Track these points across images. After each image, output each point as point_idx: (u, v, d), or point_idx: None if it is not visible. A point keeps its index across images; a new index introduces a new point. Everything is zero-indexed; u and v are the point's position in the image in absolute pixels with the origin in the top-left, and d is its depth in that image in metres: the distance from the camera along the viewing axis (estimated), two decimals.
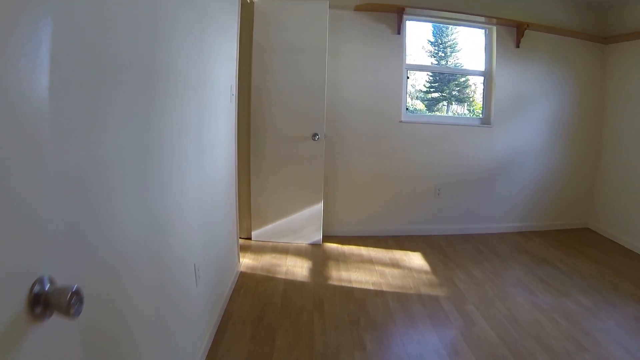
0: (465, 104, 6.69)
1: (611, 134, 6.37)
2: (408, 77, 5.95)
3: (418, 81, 6.35)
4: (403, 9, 5.32)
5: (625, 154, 6.11)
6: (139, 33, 1.83)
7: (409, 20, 5.68)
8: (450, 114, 6.59)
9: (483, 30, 6.04)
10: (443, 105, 6.64)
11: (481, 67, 6.11)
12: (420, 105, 6.54)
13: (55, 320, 0.94)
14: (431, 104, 6.56)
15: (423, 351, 3.26)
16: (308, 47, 4.96)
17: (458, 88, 6.58)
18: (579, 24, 6.12)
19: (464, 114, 6.62)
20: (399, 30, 5.49)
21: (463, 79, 6.52)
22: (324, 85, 5.05)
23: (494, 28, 5.87)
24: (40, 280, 0.90)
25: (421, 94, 6.49)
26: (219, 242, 3.57)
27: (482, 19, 5.64)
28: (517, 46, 5.90)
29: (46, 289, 0.91)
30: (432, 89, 6.49)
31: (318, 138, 5.07)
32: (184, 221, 2.57)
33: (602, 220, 6.51)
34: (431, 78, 6.38)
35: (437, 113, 6.55)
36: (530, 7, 5.88)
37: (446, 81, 6.43)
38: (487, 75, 6.05)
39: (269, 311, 3.69)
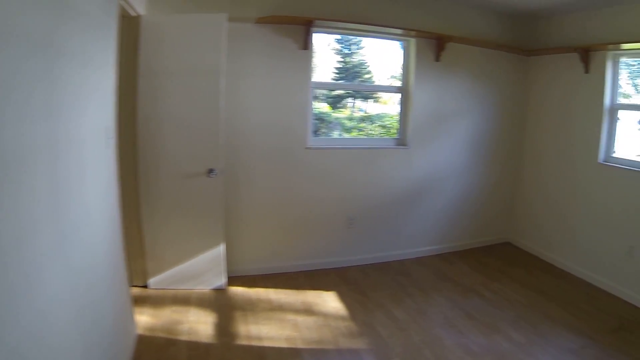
0: (371, 100, 6.40)
1: (531, 147, 6.37)
2: (316, 97, 5.47)
3: (325, 77, 5.87)
4: (311, 22, 4.76)
5: (543, 167, 6.13)
6: None
7: (317, 32, 5.16)
8: (356, 114, 6.30)
9: (400, 44, 5.66)
10: (348, 102, 6.31)
11: (397, 82, 5.78)
12: (325, 107, 6.13)
13: None
14: (336, 101, 6.20)
15: None
16: (203, 68, 4.28)
17: (376, 84, 6.23)
18: (503, 37, 5.96)
19: (373, 132, 6.25)
20: (306, 45, 4.94)
21: (368, 76, 6.16)
22: (220, 112, 4.38)
23: (413, 41, 5.51)
24: None
25: (325, 91, 6.06)
26: (106, 314, 2.83)
27: (400, 31, 5.26)
28: (438, 60, 5.59)
29: None
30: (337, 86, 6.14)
31: (215, 174, 4.41)
32: (51, 326, 1.91)
33: (522, 234, 6.56)
34: (337, 75, 5.93)
35: (342, 111, 6.25)
36: (452, 19, 5.62)
37: (351, 78, 6.04)
38: (405, 92, 5.69)
39: None
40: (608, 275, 5.20)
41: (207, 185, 4.44)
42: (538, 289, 5.09)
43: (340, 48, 5.90)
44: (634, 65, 5.39)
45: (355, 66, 6.03)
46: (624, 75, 5.42)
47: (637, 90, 5.51)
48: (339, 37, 5.75)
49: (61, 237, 2.13)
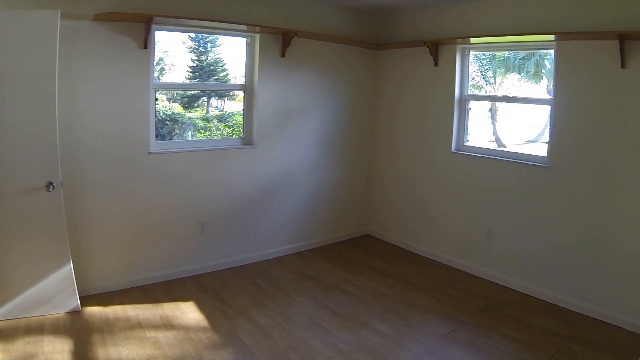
0: (226, 98, 6.62)
1: (385, 140, 6.89)
2: (157, 99, 5.57)
3: (177, 77, 6.01)
4: (151, 19, 4.83)
5: (400, 159, 6.71)
6: None
7: (159, 30, 5.28)
8: (211, 112, 6.47)
9: (245, 39, 5.89)
10: (203, 101, 6.49)
11: (241, 80, 6.00)
12: (177, 108, 6.25)
13: None
14: (191, 101, 6.36)
15: None
16: (34, 73, 4.18)
17: (219, 83, 6.42)
18: (351, 31, 6.38)
19: (220, 131, 6.49)
20: (146, 43, 5.02)
21: (223, 74, 6.36)
22: (55, 119, 4.29)
23: (257, 36, 5.77)
24: None
25: (180, 92, 6.23)
26: None
27: (244, 27, 5.48)
28: (283, 56, 5.90)
29: None
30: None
31: (54, 187, 4.38)
32: None
33: (381, 225, 7.10)
34: (190, 74, 6.10)
35: (198, 110, 6.41)
36: (299, 14, 5.99)
37: (206, 76, 6.22)
38: (249, 90, 5.98)
39: None
40: (470, 258, 5.96)
41: (47, 201, 4.41)
42: (402, 278, 5.56)
43: (194, 46, 6.06)
44: (484, 59, 5.93)
45: (209, 65, 6.22)
46: (475, 68, 5.93)
47: (487, 82, 6.07)
48: (192, 35, 5.92)
49: None
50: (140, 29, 4.96)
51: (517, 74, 5.81)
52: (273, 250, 6.35)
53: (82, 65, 4.74)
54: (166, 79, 5.84)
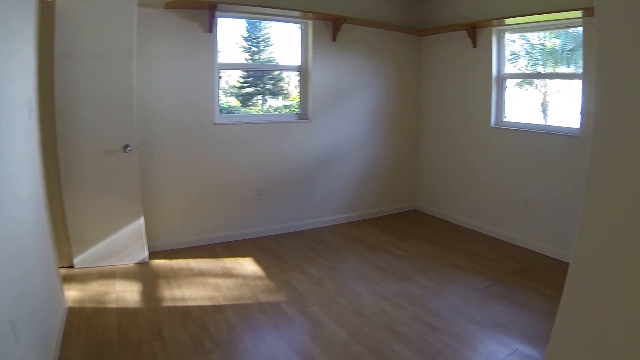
0: (280, 97, 6.77)
1: (426, 119, 6.98)
2: (220, 77, 5.87)
3: (232, 76, 6.29)
4: (215, 6, 5.22)
5: (442, 137, 6.83)
6: None
7: (221, 17, 5.59)
8: (265, 108, 6.62)
9: (299, 25, 6.14)
10: (258, 99, 6.64)
11: (297, 62, 6.22)
12: (234, 102, 6.49)
13: None
14: (246, 99, 6.54)
15: None
16: (115, 51, 4.62)
17: (272, 82, 6.63)
18: (395, 18, 6.57)
19: (280, 108, 6.69)
20: (211, 28, 5.37)
21: (277, 73, 6.58)
22: (133, 91, 4.74)
23: (310, 22, 6.01)
24: None
25: (235, 90, 6.43)
26: (36, 285, 3.13)
27: (298, 13, 5.76)
28: (334, 40, 6.13)
29: None
30: (245, 84, 6.46)
31: (130, 149, 4.77)
32: None
33: (428, 200, 7.17)
34: (245, 73, 6.35)
35: (252, 108, 6.56)
36: (347, 1, 6.14)
37: (260, 75, 6.44)
38: (303, 70, 6.20)
39: (107, 349, 3.40)
40: (508, 227, 5.99)
41: (124, 161, 4.80)
42: (445, 244, 5.70)
43: (247, 46, 6.32)
44: (533, 52, 6.03)
45: (262, 64, 6.45)
46: (524, 63, 6.10)
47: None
48: (245, 22, 6.16)
49: None
50: (205, 15, 5.31)
51: (565, 66, 5.71)
52: (326, 219, 6.54)
53: (155, 46, 5.14)
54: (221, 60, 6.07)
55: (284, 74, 6.59)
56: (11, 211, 2.78)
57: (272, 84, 6.67)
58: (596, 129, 1.83)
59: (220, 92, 5.92)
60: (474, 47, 6.09)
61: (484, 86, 6.12)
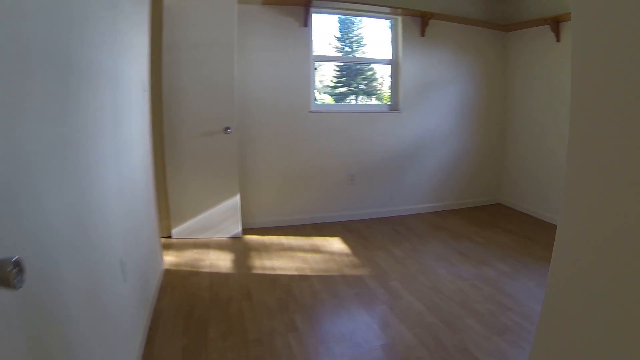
0: (373, 96, 6.92)
1: (512, 115, 6.89)
2: (316, 69, 6.09)
3: (325, 76, 6.51)
4: (310, 2, 5.49)
5: (524, 133, 6.63)
6: (53, 22, 1.76)
7: (316, 13, 5.84)
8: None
9: (388, 21, 6.28)
10: (351, 99, 6.83)
11: (388, 56, 6.35)
12: (328, 100, 6.70)
13: None
14: (339, 99, 6.73)
15: (354, 327, 3.40)
16: (217, 43, 4.99)
17: (366, 81, 6.80)
18: (481, 13, 6.54)
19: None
20: (306, 22, 5.64)
21: (370, 72, 6.74)
22: (234, 79, 5.09)
23: (400, 18, 6.14)
24: None
25: (329, 89, 6.64)
26: (142, 241, 3.51)
27: (388, 9, 5.91)
28: (422, 35, 6.22)
29: None
30: (339, 84, 6.65)
31: (230, 131, 5.11)
32: (107, 219, 2.50)
33: (512, 194, 7.05)
34: (338, 73, 6.55)
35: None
36: None
37: (353, 75, 6.63)
38: (394, 64, 6.32)
39: (198, 305, 3.71)
40: None
41: (224, 142, 5.17)
42: (526, 236, 5.62)
43: (341, 46, 6.56)
44: None
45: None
46: None
47: None
48: (338, 23, 6.41)
49: (116, 150, 2.85)
50: (300, 11, 5.61)
51: None
52: (412, 207, 6.63)
53: (254, 39, 5.49)
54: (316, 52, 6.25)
55: (378, 75, 6.72)
56: (128, 171, 3.19)
57: (366, 84, 6.83)
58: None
59: (314, 86, 6.14)
60: (557, 41, 6.01)
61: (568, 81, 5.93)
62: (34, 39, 1.55)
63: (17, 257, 0.98)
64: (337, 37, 6.41)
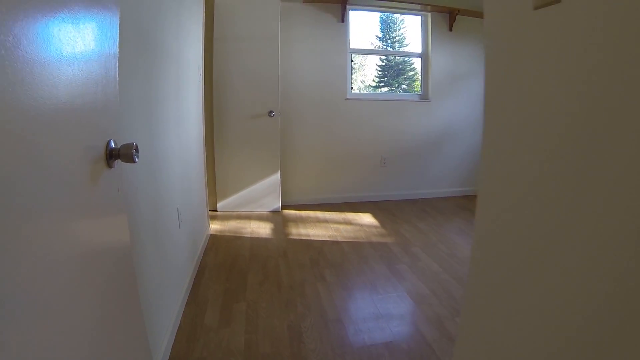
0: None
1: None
2: (352, 61, 6.49)
3: (367, 77, 6.88)
4: (346, 0, 5.93)
5: None
6: (147, 10, 2.26)
7: (352, 10, 6.26)
8: None
9: (420, 17, 6.63)
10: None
11: (418, 50, 6.70)
12: None
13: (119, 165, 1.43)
14: None
15: (375, 279, 3.80)
16: (263, 35, 5.44)
17: (407, 82, 7.11)
18: None
19: None
20: (343, 18, 6.06)
21: (412, 73, 7.05)
22: (277, 68, 5.53)
23: (429, 14, 6.48)
24: (109, 143, 1.36)
25: (371, 89, 6.99)
26: (193, 204, 3.99)
27: (418, 6, 6.26)
28: (450, 30, 6.55)
29: (114, 146, 1.37)
30: (381, 84, 6.99)
31: (274, 115, 5.57)
32: (168, 171, 2.93)
33: None
34: (380, 73, 6.89)
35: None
36: None
37: (395, 75, 6.96)
38: (424, 56, 6.66)
39: (239, 260, 4.18)
40: None
41: (268, 124, 5.64)
42: None
43: (382, 46, 6.96)
44: None
45: (398, 64, 7.03)
46: None
47: None
48: (379, 23, 6.85)
49: (177, 117, 3.35)
50: (338, 8, 6.05)
51: None
52: (440, 190, 6.95)
53: (296, 33, 5.97)
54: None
55: (418, 75, 6.97)
56: (185, 139, 3.72)
57: (407, 84, 7.15)
58: None
59: (355, 88, 6.53)
60: None
61: None
62: (138, 27, 2.05)
63: (135, 142, 1.37)
64: (378, 37, 6.79)
